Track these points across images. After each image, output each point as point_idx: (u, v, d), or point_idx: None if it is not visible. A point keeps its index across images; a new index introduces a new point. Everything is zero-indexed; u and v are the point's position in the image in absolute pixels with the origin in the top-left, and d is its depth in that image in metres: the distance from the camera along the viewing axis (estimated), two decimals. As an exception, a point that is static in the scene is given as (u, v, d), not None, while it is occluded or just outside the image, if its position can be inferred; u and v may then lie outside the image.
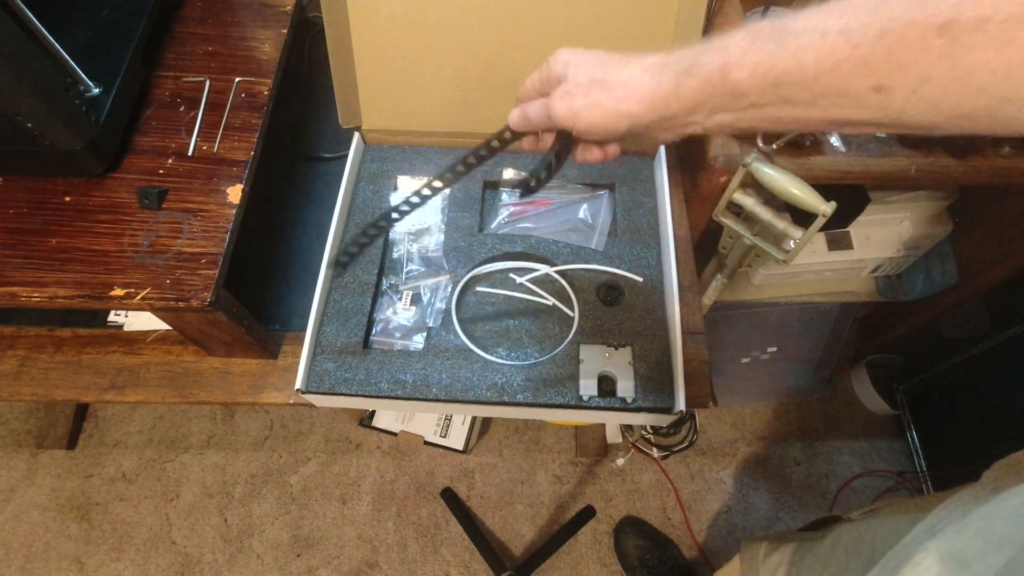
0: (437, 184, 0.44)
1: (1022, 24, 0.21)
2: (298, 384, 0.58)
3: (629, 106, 0.33)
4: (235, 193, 0.58)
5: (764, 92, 0.28)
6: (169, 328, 0.64)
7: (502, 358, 0.61)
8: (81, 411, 1.36)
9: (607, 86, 0.34)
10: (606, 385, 0.60)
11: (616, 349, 0.61)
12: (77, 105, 0.53)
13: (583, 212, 0.71)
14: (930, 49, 0.23)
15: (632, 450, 1.32)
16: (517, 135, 0.43)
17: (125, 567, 1.22)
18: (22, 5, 0.49)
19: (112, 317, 0.68)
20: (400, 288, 0.66)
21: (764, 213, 0.66)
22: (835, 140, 0.68)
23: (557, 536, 1.21)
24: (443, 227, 0.69)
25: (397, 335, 0.64)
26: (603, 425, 1.31)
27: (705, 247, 0.90)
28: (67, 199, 0.56)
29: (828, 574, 0.58)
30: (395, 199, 0.70)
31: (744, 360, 1.24)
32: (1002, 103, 0.23)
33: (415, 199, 0.45)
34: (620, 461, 1.31)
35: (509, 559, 1.22)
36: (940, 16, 0.23)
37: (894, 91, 0.25)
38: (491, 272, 0.66)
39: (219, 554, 1.23)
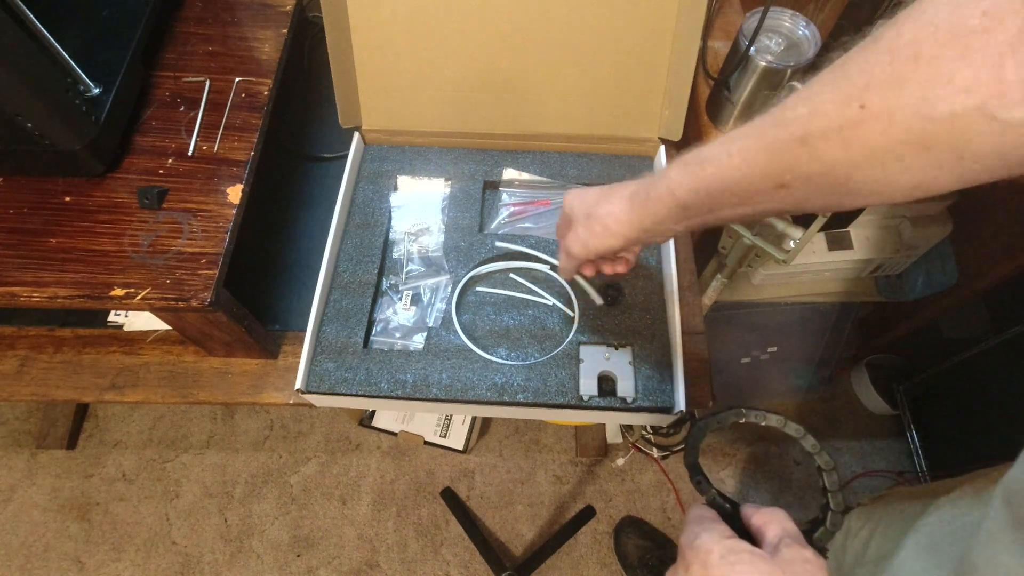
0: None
1: (855, 129, 0.28)
2: (298, 384, 0.58)
3: (618, 229, 0.42)
4: (235, 193, 0.58)
5: (704, 203, 0.36)
6: (169, 328, 0.64)
7: (502, 358, 0.61)
8: (81, 411, 1.37)
9: (598, 218, 0.43)
10: (606, 385, 0.60)
11: (616, 349, 0.61)
12: (77, 105, 0.53)
13: (583, 212, 0.71)
14: (799, 155, 0.30)
15: (632, 450, 1.32)
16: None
17: (125, 567, 1.22)
18: (22, 5, 0.49)
19: (112, 317, 0.68)
20: (400, 288, 0.66)
21: (764, 213, 0.66)
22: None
23: (557, 536, 1.21)
24: (443, 227, 0.69)
25: (397, 335, 0.64)
26: (603, 425, 1.31)
27: (705, 247, 0.90)
28: (67, 199, 0.56)
29: (834, 549, 0.62)
30: (397, 198, 0.70)
31: (744, 360, 1.24)
32: (861, 185, 0.30)
33: None
34: (620, 461, 1.31)
35: (509, 559, 1.22)
36: (799, 132, 0.30)
37: (792, 187, 0.32)
38: (491, 272, 0.66)
39: (219, 554, 1.23)
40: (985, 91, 0.24)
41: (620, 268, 0.51)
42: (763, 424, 0.41)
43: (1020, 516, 0.35)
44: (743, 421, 0.40)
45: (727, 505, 0.38)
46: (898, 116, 0.27)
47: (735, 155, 0.34)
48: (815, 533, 0.37)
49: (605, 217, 0.42)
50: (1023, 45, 0.24)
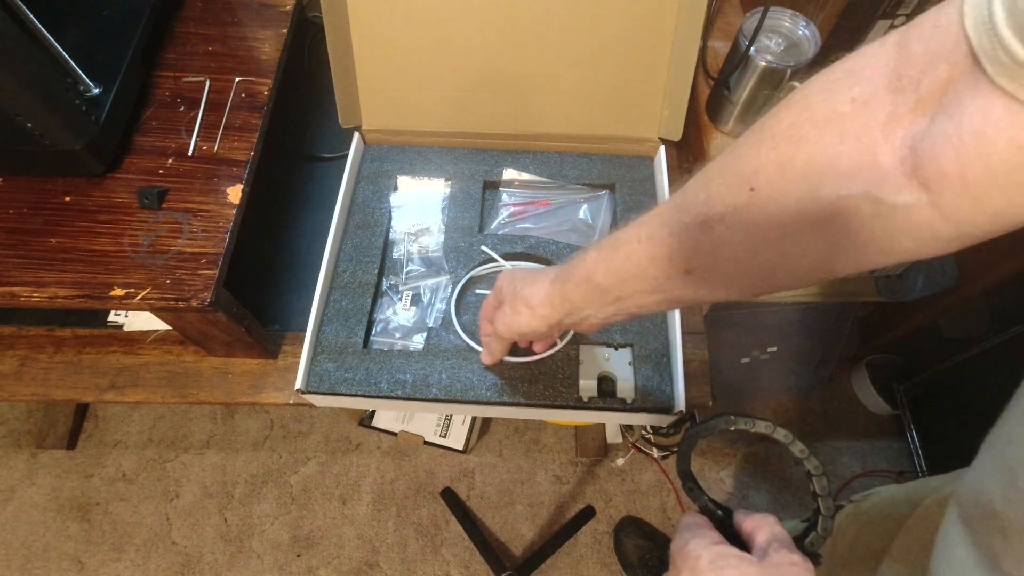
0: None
1: (748, 211, 0.29)
2: (298, 384, 0.58)
3: (540, 311, 0.43)
4: (235, 193, 0.58)
5: (619, 287, 0.37)
6: (169, 328, 0.64)
7: (502, 358, 0.61)
8: (81, 411, 1.37)
9: (523, 299, 0.44)
10: (606, 385, 0.60)
11: (616, 349, 0.61)
12: (77, 105, 0.53)
13: (583, 212, 0.71)
14: (701, 239, 0.32)
15: (632, 450, 1.32)
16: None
17: (125, 567, 1.22)
18: (22, 5, 0.49)
19: (112, 317, 0.68)
20: (400, 288, 0.66)
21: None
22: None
23: (557, 536, 1.21)
24: (443, 227, 0.69)
25: (397, 335, 0.64)
26: (603, 425, 1.31)
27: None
28: (67, 199, 0.56)
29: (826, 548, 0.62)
30: (397, 198, 0.70)
31: (744, 360, 1.24)
32: (762, 270, 0.31)
33: None
34: (620, 461, 1.31)
35: (509, 559, 1.22)
36: (699, 217, 0.31)
37: (697, 273, 0.33)
38: (491, 272, 0.66)
39: (219, 554, 1.23)
40: (868, 176, 0.25)
41: (541, 347, 0.54)
42: (752, 431, 0.40)
43: (967, 514, 0.36)
44: (732, 428, 0.40)
45: (719, 512, 0.39)
46: (783, 197, 0.28)
47: (643, 241, 0.35)
48: (807, 539, 0.37)
49: (530, 298, 0.43)
50: (894, 131, 0.24)
